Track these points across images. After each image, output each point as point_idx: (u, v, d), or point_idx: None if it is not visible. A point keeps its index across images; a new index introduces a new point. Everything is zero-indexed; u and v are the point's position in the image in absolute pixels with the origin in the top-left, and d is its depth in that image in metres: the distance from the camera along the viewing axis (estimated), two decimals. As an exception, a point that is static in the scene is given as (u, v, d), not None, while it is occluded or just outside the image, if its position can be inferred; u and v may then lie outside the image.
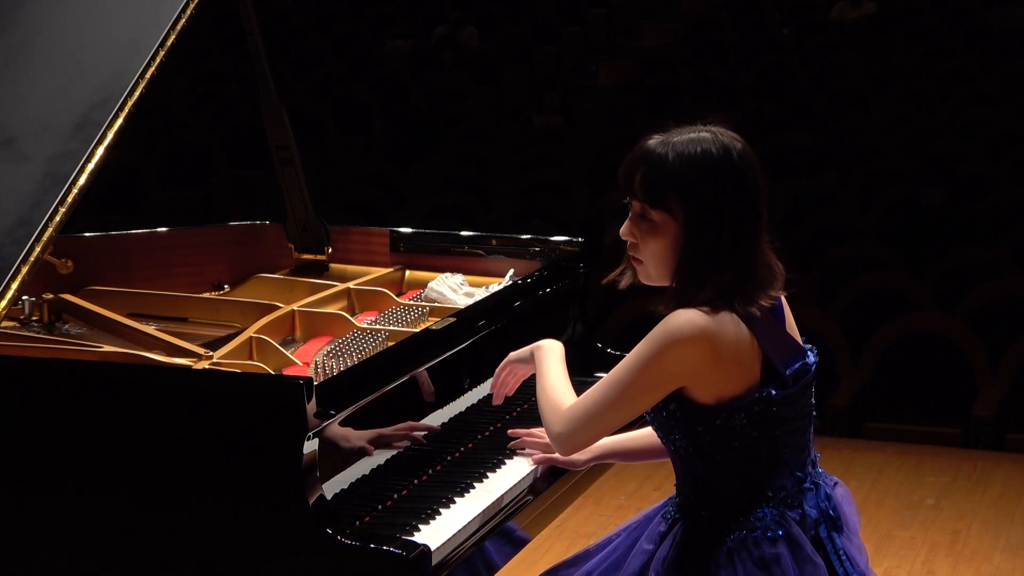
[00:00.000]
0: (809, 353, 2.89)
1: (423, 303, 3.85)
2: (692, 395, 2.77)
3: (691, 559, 2.83)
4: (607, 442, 3.24)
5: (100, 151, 3.28)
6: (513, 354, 3.19)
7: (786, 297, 2.93)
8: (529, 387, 3.73)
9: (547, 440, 3.25)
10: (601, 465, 3.33)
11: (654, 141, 2.78)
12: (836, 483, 2.97)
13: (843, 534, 2.89)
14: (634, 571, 2.91)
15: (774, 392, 2.77)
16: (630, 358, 2.76)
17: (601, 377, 3.81)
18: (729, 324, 2.72)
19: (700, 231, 2.71)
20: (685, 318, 2.70)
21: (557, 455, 3.20)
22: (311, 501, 2.75)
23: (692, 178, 2.71)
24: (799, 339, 2.90)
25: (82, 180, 3.25)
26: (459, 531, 2.93)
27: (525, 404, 3.64)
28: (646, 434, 3.13)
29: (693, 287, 2.73)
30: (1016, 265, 8.03)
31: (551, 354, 3.08)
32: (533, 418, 3.54)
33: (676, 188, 2.71)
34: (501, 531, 3.09)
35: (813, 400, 2.90)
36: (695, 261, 2.72)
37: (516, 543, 3.21)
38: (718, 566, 2.79)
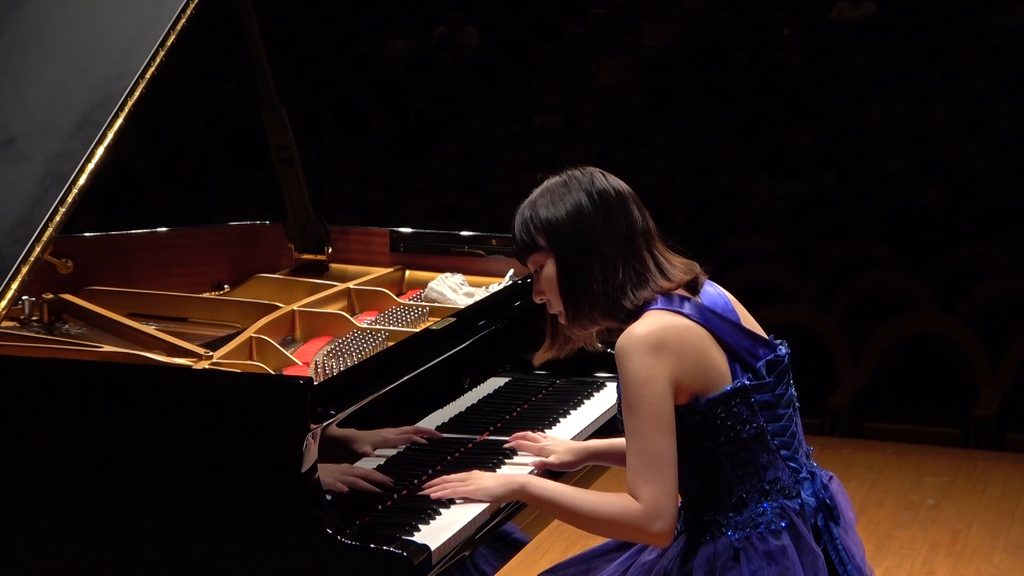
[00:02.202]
0: (780, 347, 2.94)
1: (423, 303, 3.85)
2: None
3: (699, 562, 2.85)
4: (595, 443, 3.29)
5: (100, 151, 3.28)
6: (483, 486, 3.00)
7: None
8: (529, 387, 3.74)
9: (540, 443, 3.25)
10: (599, 467, 3.33)
11: (517, 211, 2.97)
12: (831, 477, 3.00)
13: (840, 525, 2.93)
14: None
15: (748, 382, 2.83)
16: (627, 406, 2.80)
17: (601, 376, 3.85)
18: (669, 320, 2.81)
19: (568, 246, 2.88)
20: (629, 339, 2.79)
21: (552, 458, 3.21)
22: (311, 501, 2.75)
23: (548, 210, 2.91)
24: (762, 334, 2.94)
25: (82, 180, 3.25)
26: (459, 531, 2.93)
27: (524, 404, 3.65)
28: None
29: (585, 300, 2.86)
30: (1016, 265, 8.04)
31: (544, 485, 2.97)
32: (533, 417, 3.54)
33: (538, 227, 2.92)
34: (501, 532, 3.09)
35: (794, 391, 2.94)
36: (576, 275, 2.86)
37: (515, 544, 3.21)
38: (726, 567, 2.82)
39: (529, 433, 3.31)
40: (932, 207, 8.58)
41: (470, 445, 3.35)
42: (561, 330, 2.99)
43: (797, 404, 2.95)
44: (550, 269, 2.90)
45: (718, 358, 2.83)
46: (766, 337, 2.93)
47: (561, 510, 2.92)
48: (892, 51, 12.03)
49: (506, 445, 3.30)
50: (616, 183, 2.93)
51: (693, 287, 2.89)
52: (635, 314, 2.84)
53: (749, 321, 2.94)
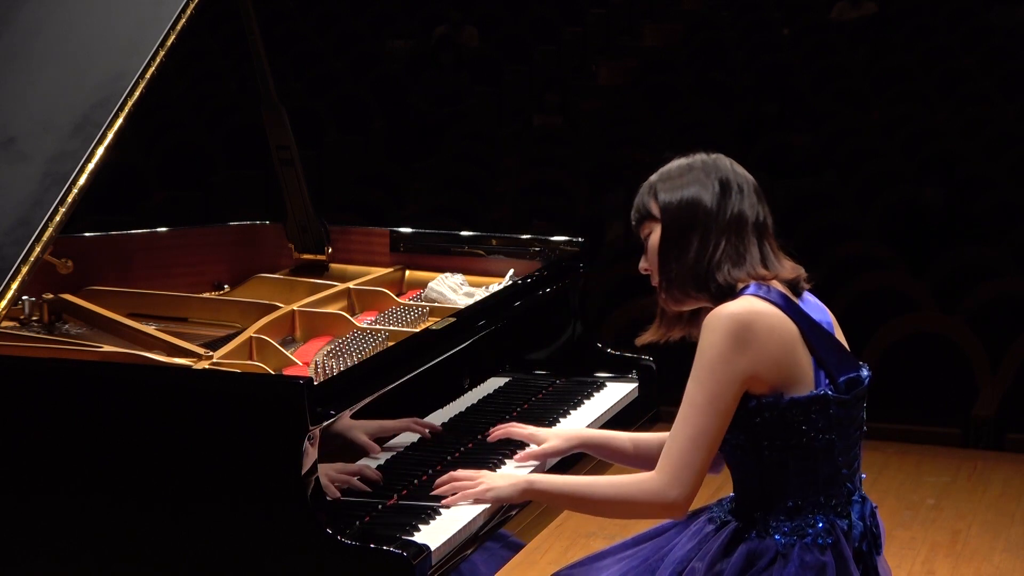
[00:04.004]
0: (863, 369, 2.94)
1: (423, 303, 3.85)
2: (748, 387, 2.81)
3: (739, 554, 2.85)
4: (588, 432, 3.29)
5: (100, 151, 3.28)
6: (493, 486, 3.00)
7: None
8: (529, 387, 3.74)
9: (528, 430, 3.24)
10: (600, 466, 3.33)
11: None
12: (875, 507, 3.00)
13: (880, 554, 2.95)
14: (678, 559, 2.92)
15: (831, 393, 2.83)
16: (695, 376, 2.81)
17: (601, 376, 3.85)
18: (762, 307, 2.81)
19: (674, 216, 2.90)
20: (719, 315, 2.80)
21: (545, 446, 3.20)
22: (311, 501, 2.75)
23: (665, 185, 2.94)
24: (850, 352, 2.94)
25: (82, 180, 3.25)
26: (459, 531, 2.93)
27: (524, 404, 3.65)
28: (629, 437, 3.19)
29: (678, 269, 2.88)
30: (1016, 265, 8.03)
31: (551, 479, 3.00)
32: (533, 417, 3.54)
33: (654, 197, 2.94)
34: (501, 532, 3.09)
35: (864, 415, 2.94)
36: (675, 243, 2.89)
37: (514, 545, 3.21)
38: (763, 568, 2.83)
39: (514, 423, 3.31)
40: (932, 207, 8.58)
41: (470, 445, 3.35)
42: (664, 314, 3.00)
43: (864, 428, 2.95)
44: (655, 237, 2.93)
45: (803, 358, 2.83)
46: (852, 356, 2.93)
47: (572, 499, 2.93)
48: (892, 51, 12.03)
49: (491, 438, 3.29)
50: (740, 171, 2.96)
51: (794, 287, 2.90)
52: (728, 294, 2.85)
53: (842, 340, 2.95)
